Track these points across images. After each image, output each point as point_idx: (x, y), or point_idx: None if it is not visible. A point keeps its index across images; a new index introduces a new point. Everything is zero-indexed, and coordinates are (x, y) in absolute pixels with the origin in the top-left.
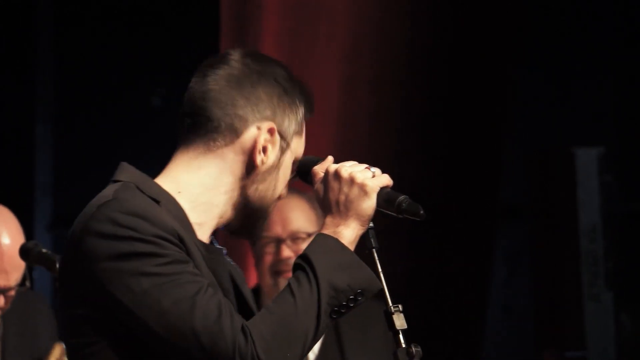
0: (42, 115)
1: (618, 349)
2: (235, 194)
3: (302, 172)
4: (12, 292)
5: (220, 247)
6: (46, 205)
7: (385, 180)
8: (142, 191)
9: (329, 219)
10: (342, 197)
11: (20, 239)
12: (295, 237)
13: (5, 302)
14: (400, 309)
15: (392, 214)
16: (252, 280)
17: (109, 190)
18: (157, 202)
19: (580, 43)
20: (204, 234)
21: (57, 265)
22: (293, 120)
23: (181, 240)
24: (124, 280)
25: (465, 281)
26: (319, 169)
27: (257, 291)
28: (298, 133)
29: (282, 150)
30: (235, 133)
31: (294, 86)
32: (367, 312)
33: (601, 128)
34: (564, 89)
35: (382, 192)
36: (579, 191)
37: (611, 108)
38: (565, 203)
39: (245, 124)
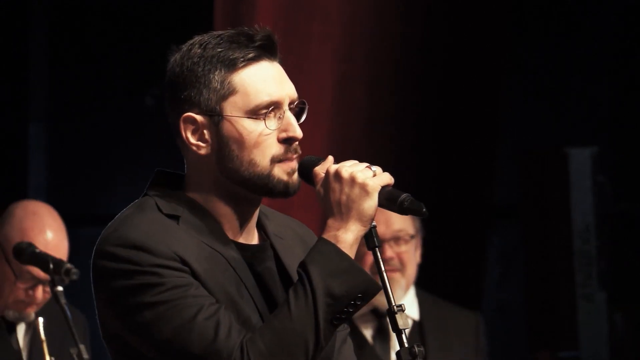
0: (35, 116)
1: (611, 349)
2: (221, 185)
3: (302, 174)
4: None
5: (263, 242)
6: None
7: (387, 178)
8: (160, 209)
9: (330, 221)
10: (344, 198)
11: (62, 235)
12: (397, 237)
13: (43, 298)
14: (403, 308)
15: (395, 212)
16: None
17: (125, 212)
18: (177, 217)
19: (573, 43)
20: (233, 231)
21: (51, 266)
22: (209, 93)
23: (184, 261)
24: (130, 314)
25: (458, 281)
26: (320, 170)
27: None
28: (228, 95)
29: (216, 123)
30: (179, 139)
31: (203, 60)
32: (456, 322)
33: (595, 128)
34: (558, 89)
35: (384, 191)
36: (572, 191)
37: (605, 108)
38: (558, 203)
39: (177, 128)
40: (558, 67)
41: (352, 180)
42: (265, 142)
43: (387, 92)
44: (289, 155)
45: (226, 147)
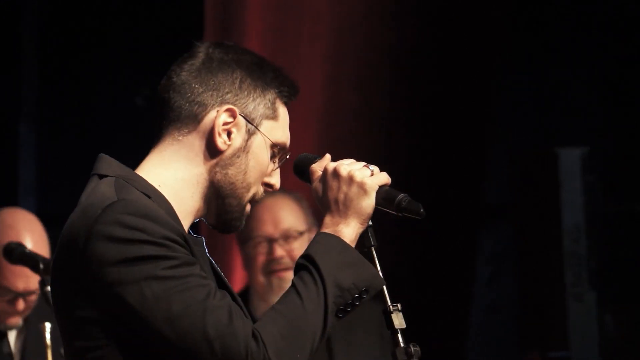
0: (25, 115)
1: (601, 349)
2: (206, 183)
3: (299, 170)
4: (34, 297)
5: (199, 236)
6: (29, 204)
7: (384, 178)
8: (134, 187)
9: (328, 218)
10: (342, 196)
11: (43, 244)
12: (287, 236)
13: (26, 307)
14: (399, 308)
15: (392, 212)
16: (237, 280)
17: (105, 189)
18: (149, 197)
19: (564, 44)
20: (184, 227)
21: (41, 266)
22: (261, 104)
23: (185, 240)
24: (134, 284)
25: (449, 281)
26: (317, 167)
27: (246, 292)
28: (270, 117)
29: (250, 133)
30: (195, 119)
31: (263, 71)
32: (361, 313)
33: (585, 129)
34: (548, 89)
35: (381, 191)
36: (562, 191)
37: (595, 109)
38: (548, 203)
39: (205, 109)
40: (548, 68)
41: (351, 179)
42: (262, 176)
43: (377, 92)
44: (259, 199)
45: (244, 157)
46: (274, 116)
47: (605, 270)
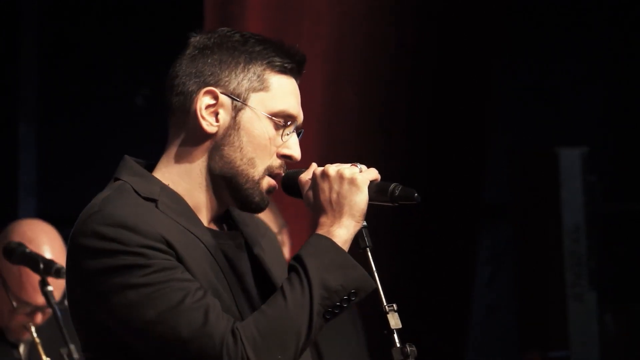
0: (25, 115)
1: (601, 349)
2: (208, 169)
3: (287, 186)
4: (50, 310)
5: (231, 231)
6: (30, 205)
7: (373, 173)
8: (137, 192)
9: (322, 219)
10: (334, 195)
11: (62, 255)
12: None
13: (42, 319)
14: (395, 308)
15: (387, 204)
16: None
17: (101, 195)
18: (155, 200)
19: (565, 43)
20: (205, 220)
21: (41, 266)
22: (245, 78)
23: (169, 244)
24: (112, 294)
25: (448, 281)
26: (305, 176)
27: None
28: (259, 89)
29: (237, 110)
30: (184, 110)
31: (248, 47)
32: None
33: (585, 128)
34: (548, 89)
35: (372, 185)
36: (562, 191)
37: (595, 108)
38: (548, 203)
39: (189, 97)
40: (548, 67)
41: (340, 177)
42: (270, 149)
43: (377, 92)
44: (280, 170)
45: (236, 134)
46: (262, 87)
47: (605, 270)
